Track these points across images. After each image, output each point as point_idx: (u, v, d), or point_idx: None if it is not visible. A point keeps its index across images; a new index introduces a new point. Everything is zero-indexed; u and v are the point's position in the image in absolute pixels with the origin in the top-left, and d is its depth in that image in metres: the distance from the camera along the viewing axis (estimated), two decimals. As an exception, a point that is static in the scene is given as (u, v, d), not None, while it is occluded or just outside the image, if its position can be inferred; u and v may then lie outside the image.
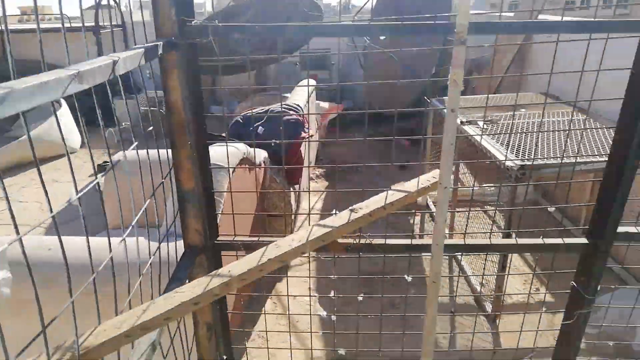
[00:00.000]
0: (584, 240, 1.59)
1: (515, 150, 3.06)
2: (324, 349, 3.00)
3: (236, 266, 1.20)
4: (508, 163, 2.65)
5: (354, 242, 1.54)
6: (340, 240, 1.56)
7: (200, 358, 1.74)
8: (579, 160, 2.75)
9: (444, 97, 4.45)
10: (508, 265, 3.03)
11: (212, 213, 1.59)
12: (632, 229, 1.56)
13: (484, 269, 3.29)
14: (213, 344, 1.75)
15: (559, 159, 2.70)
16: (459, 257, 3.84)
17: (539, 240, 1.59)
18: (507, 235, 2.82)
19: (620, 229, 1.54)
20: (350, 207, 1.35)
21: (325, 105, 6.29)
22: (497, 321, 3.17)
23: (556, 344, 1.82)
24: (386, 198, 1.34)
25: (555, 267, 1.74)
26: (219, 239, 1.62)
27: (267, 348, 2.40)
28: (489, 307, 3.22)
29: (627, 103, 1.38)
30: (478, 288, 3.46)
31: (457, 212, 4.26)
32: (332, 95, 7.74)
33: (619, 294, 3.19)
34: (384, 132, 6.49)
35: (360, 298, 1.74)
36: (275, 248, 1.24)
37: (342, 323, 3.05)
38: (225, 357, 1.79)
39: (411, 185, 1.40)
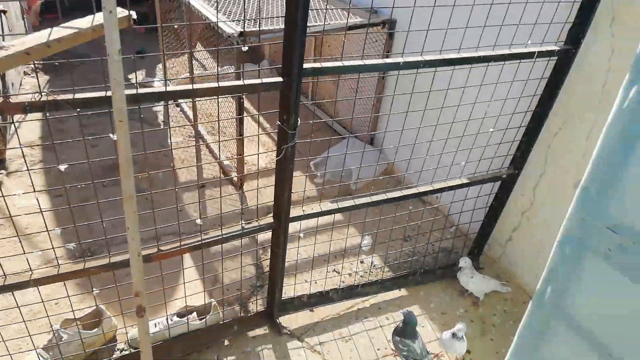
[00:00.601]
0: (279, 79, 1.74)
1: (237, 20, 3.09)
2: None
3: None
4: (228, 30, 2.66)
5: (33, 99, 1.33)
6: (14, 100, 1.33)
7: None
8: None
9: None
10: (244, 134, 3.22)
11: None
12: (316, 65, 1.78)
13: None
14: None
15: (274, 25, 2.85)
16: (206, 138, 3.91)
17: (240, 82, 1.67)
18: (241, 107, 2.95)
19: (306, 65, 1.73)
20: (-2, 45, 1.12)
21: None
22: (243, 187, 3.43)
23: (275, 180, 2.05)
24: (50, 34, 1.15)
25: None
26: None
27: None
28: (235, 176, 3.43)
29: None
30: (225, 162, 3.63)
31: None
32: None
33: (339, 146, 3.78)
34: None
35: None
36: None
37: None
38: None
39: (85, 22, 1.24)
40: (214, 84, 1.61)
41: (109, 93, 1.39)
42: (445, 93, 2.22)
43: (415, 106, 2.27)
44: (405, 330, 2.28)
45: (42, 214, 1.57)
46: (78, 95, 1.37)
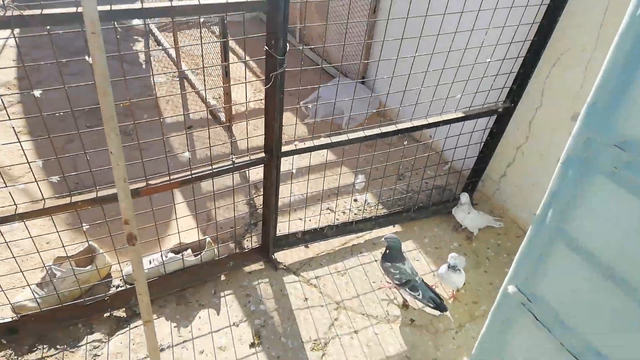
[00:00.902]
0: (266, -3, 1.62)
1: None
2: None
3: None
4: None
5: (-4, 14, 1.21)
6: (-25, 15, 1.20)
7: None
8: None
9: None
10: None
11: None
12: (305, -18, 1.65)
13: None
14: None
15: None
16: (190, 77, 3.75)
17: (223, 0, 1.54)
18: (224, 33, 2.79)
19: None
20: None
21: None
22: (232, 122, 3.33)
23: (265, 110, 1.97)
24: None
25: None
26: None
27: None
28: (222, 117, 3.32)
29: None
30: (212, 102, 3.50)
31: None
32: None
33: (331, 85, 3.66)
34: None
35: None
36: None
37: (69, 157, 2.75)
38: None
39: None
40: (196, 2, 1.48)
41: (80, 9, 1.27)
42: (442, 19, 2.10)
43: (409, 39, 2.15)
44: (393, 255, 2.31)
45: (21, 144, 1.49)
46: (46, 11, 1.25)
